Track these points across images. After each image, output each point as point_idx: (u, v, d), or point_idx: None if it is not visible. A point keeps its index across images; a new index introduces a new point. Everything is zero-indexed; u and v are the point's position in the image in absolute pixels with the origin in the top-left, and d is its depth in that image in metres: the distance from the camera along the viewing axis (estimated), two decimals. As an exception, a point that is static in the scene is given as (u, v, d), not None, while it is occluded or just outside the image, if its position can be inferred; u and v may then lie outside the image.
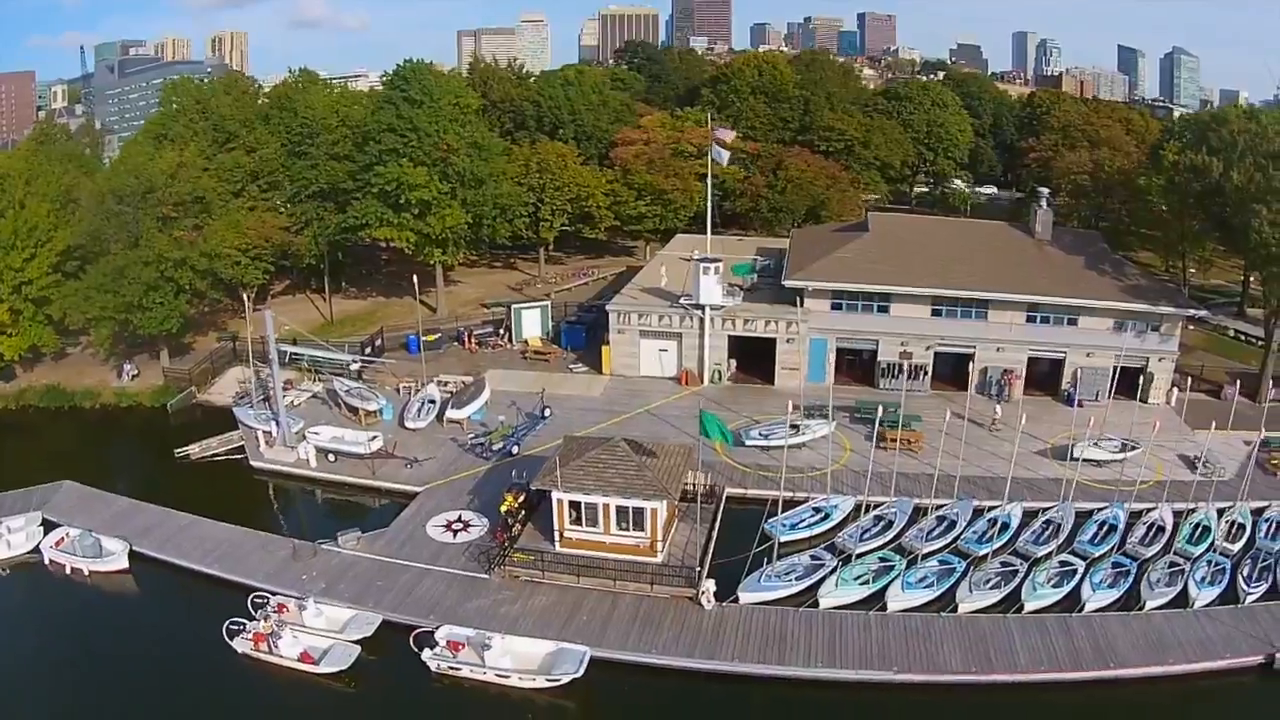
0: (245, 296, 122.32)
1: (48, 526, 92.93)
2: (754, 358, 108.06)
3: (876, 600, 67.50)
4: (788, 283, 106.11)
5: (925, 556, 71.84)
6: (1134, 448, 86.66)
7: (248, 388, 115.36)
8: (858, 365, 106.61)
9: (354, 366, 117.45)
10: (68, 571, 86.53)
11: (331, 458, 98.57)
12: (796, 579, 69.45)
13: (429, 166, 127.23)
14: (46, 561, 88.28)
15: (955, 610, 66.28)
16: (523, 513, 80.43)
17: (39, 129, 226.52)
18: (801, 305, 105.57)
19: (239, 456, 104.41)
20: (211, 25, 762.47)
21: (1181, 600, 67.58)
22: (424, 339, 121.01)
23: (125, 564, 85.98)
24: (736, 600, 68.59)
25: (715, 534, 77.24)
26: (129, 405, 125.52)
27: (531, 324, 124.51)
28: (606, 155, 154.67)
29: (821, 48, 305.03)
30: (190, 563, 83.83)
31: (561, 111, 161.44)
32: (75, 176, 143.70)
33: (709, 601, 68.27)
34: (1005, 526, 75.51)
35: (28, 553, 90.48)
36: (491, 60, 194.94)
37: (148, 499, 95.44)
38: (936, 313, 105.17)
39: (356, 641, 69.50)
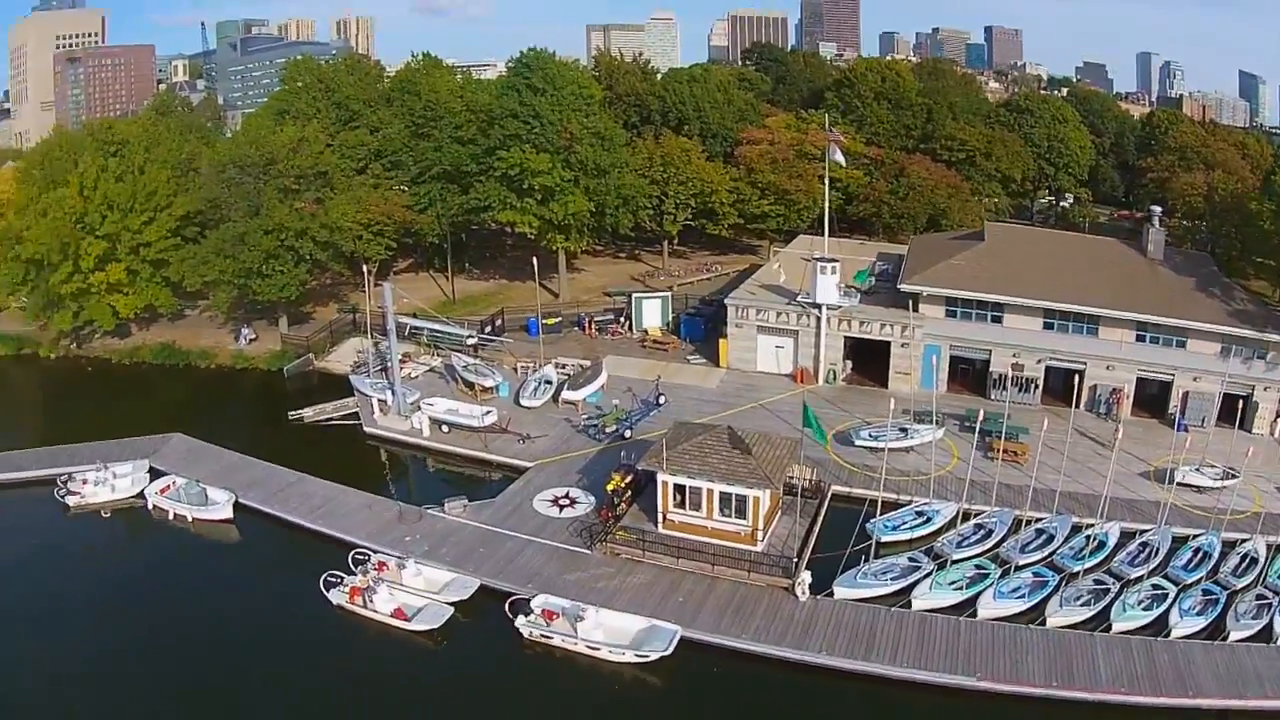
0: (367, 270, 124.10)
1: (154, 475, 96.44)
2: (869, 360, 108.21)
3: (968, 606, 67.39)
4: (903, 287, 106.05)
5: (1020, 568, 71.50)
6: (1234, 476, 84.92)
7: (365, 358, 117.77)
8: (970, 374, 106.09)
9: (470, 342, 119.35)
10: (170, 518, 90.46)
11: (445, 429, 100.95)
12: (892, 579, 69.67)
13: (552, 153, 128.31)
14: (150, 507, 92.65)
15: (1044, 623, 65.97)
16: (629, 493, 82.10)
17: (159, 99, 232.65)
18: (916, 310, 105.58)
19: (352, 423, 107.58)
20: (337, 8, 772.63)
21: (1266, 635, 66.45)
22: (544, 322, 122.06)
23: (229, 514, 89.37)
24: (831, 594, 68.94)
25: (817, 529, 77.57)
26: (244, 367, 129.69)
27: (652, 314, 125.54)
28: (731, 153, 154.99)
29: (948, 59, 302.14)
30: (294, 517, 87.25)
31: (686, 107, 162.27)
32: (196, 146, 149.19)
33: (804, 593, 68.65)
34: (1101, 545, 74.89)
35: (131, 497, 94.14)
36: (618, 55, 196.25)
37: (256, 456, 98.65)
38: (1048, 326, 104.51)
39: (452, 604, 71.10)
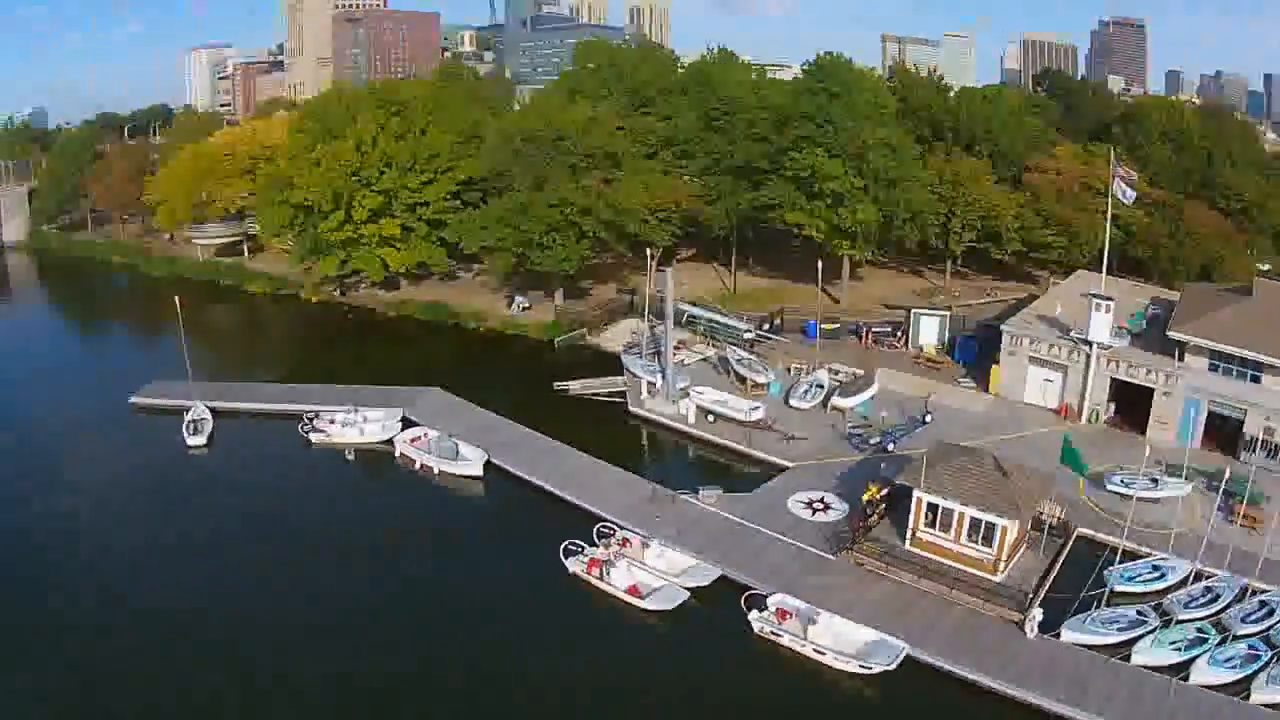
0: (650, 255, 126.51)
1: (405, 425, 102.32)
2: (1130, 405, 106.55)
3: (1182, 668, 66.64)
4: (1171, 334, 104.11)
5: (1238, 638, 70.23)
6: None
7: (638, 339, 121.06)
8: (1223, 431, 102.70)
9: (747, 336, 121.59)
10: (417, 467, 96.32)
11: (710, 418, 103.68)
12: (1119, 630, 69.46)
13: (844, 159, 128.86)
14: (397, 455, 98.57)
15: (1248, 698, 64.76)
16: (882, 505, 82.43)
17: (446, 67, 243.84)
18: (1181, 360, 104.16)
19: (617, 401, 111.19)
20: None
21: None
22: (823, 326, 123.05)
23: (479, 471, 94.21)
24: (1058, 635, 68.79)
25: (1056, 568, 77.24)
26: (514, 334, 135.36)
27: (929, 331, 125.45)
28: (1018, 179, 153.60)
29: (1230, 104, 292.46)
30: (544, 483, 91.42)
31: (978, 128, 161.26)
32: (481, 114, 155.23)
33: (1032, 630, 68.80)
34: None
35: (378, 443, 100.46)
36: (913, 67, 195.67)
37: (515, 420, 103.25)
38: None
39: (689, 589, 73.97)
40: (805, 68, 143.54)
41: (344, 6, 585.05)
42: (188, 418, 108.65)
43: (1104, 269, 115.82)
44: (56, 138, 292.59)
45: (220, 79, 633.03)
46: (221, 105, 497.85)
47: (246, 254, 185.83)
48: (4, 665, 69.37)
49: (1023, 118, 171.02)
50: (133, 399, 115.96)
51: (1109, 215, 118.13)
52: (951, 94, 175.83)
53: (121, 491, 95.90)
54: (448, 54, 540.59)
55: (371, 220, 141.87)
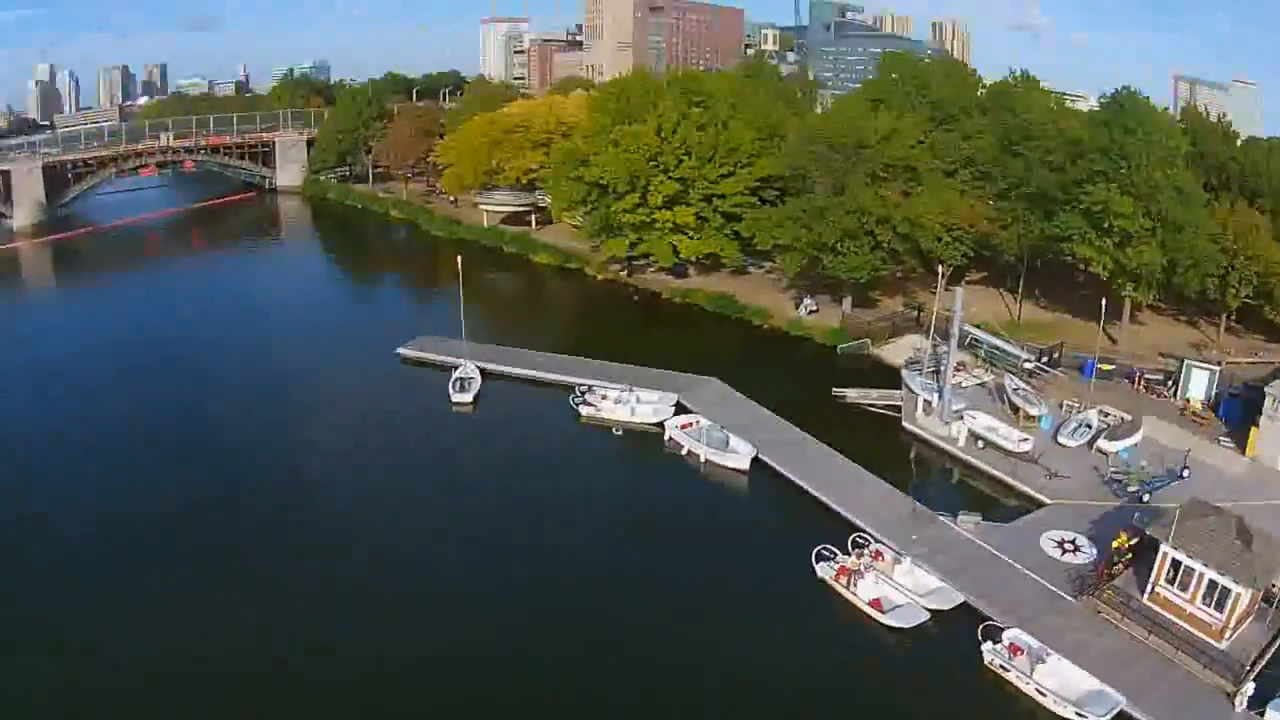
0: (940, 272, 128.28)
1: (678, 410, 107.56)
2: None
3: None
4: None
5: None
6: None
7: (920, 356, 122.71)
8: None
9: (1027, 366, 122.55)
10: (684, 453, 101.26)
11: (980, 444, 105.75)
12: None
13: (1135, 198, 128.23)
14: (666, 438, 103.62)
15: None
16: (1129, 555, 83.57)
17: (751, 63, 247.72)
18: None
19: (892, 414, 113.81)
20: (937, 9, 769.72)
21: None
22: (1100, 367, 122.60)
23: (746, 465, 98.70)
24: (1262, 714, 67.94)
25: (1276, 643, 76.02)
26: (798, 335, 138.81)
27: (1199, 385, 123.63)
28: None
29: None
30: (808, 485, 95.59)
31: (1261, 180, 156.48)
32: (783, 114, 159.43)
33: (1241, 704, 68.44)
34: None
35: (648, 424, 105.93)
36: (1204, 111, 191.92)
37: (787, 419, 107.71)
38: None
39: (930, 610, 77.34)
40: (1102, 100, 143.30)
41: None
42: (455, 375, 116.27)
43: None
44: (339, 92, 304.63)
45: (516, 53, 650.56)
46: (515, 79, 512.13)
47: (533, 225, 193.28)
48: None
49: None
50: (399, 350, 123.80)
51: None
52: (1239, 143, 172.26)
53: (380, 437, 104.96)
54: (750, 50, 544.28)
55: (666, 206, 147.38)
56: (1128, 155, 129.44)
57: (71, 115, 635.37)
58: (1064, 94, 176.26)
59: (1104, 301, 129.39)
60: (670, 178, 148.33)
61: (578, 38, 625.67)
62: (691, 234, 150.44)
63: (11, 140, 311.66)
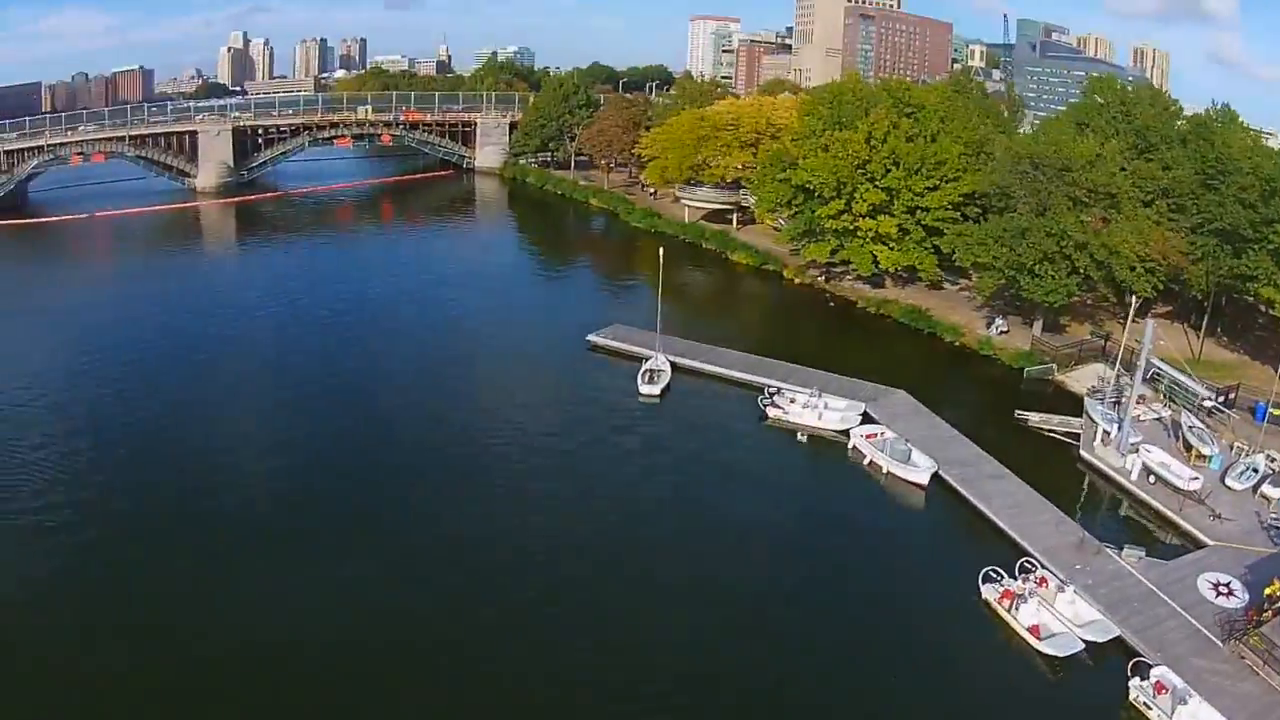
0: (1129, 302, 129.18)
1: (864, 420, 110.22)
2: None
3: None
4: None
5: None
6: None
7: (1103, 385, 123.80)
8: None
9: (1207, 404, 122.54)
10: (865, 463, 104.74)
11: (1151, 479, 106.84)
12: None
13: None
14: (850, 447, 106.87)
15: None
16: None
17: (957, 78, 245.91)
18: None
19: (1071, 442, 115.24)
20: (1141, 34, 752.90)
21: None
22: (1273, 410, 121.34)
23: (926, 480, 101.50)
24: None
25: None
26: (987, 355, 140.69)
27: None
28: None
29: None
30: (985, 507, 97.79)
31: None
32: (990, 131, 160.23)
33: None
34: None
35: (835, 431, 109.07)
36: None
37: (969, 438, 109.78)
38: None
39: (1087, 641, 79.94)
40: None
41: (859, 2, 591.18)
42: (645, 366, 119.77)
43: None
44: (545, 78, 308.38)
45: (724, 51, 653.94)
46: (723, 77, 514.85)
47: (735, 224, 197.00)
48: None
49: None
50: (590, 337, 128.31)
51: None
52: None
53: (564, 423, 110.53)
54: (957, 65, 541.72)
55: (870, 215, 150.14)
56: None
57: (265, 84, 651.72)
58: (1260, 130, 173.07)
59: None
60: (876, 186, 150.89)
61: (787, 40, 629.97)
62: (892, 245, 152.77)
63: (202, 102, 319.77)
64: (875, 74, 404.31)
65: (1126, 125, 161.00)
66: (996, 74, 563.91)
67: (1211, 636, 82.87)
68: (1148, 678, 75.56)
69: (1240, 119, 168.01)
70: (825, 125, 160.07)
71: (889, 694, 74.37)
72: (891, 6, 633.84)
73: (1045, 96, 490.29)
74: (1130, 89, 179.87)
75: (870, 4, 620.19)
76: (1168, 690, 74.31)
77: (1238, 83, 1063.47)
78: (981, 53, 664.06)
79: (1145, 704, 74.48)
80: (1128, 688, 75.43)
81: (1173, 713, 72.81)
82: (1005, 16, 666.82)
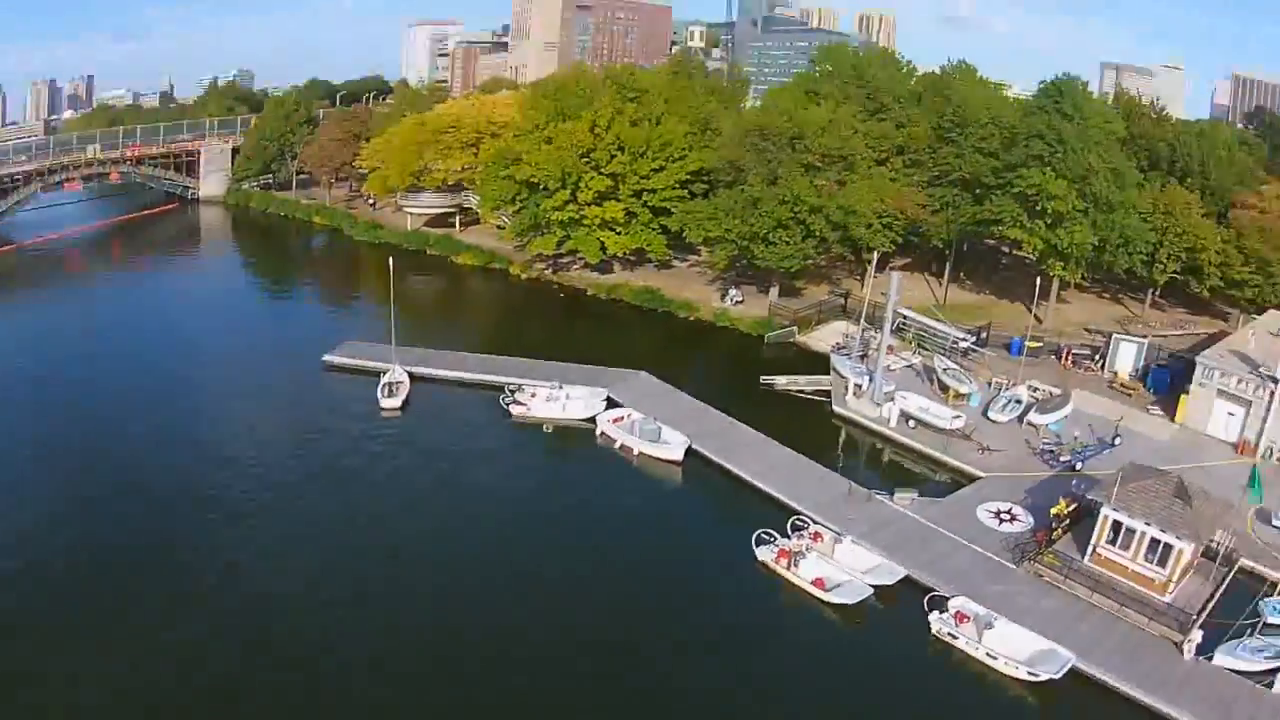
0: (867, 260, 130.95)
1: (609, 405, 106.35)
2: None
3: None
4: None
5: None
6: None
7: (848, 341, 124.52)
8: None
9: (963, 345, 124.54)
10: (617, 447, 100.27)
11: (911, 424, 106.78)
12: (1265, 658, 71.44)
13: (1069, 181, 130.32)
14: (598, 433, 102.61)
15: None
16: (1069, 521, 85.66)
17: (677, 60, 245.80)
18: None
19: (821, 399, 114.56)
20: (864, 3, 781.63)
21: None
22: (1028, 344, 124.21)
23: (679, 456, 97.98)
24: (1210, 658, 70.97)
25: (1218, 595, 78.55)
26: (724, 326, 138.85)
27: (1126, 358, 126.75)
28: (1224, 214, 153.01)
29: None
30: (743, 473, 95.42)
31: (1192, 160, 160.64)
32: (715, 108, 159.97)
33: (1189, 652, 71.00)
34: None
35: (579, 420, 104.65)
36: (1136, 94, 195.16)
37: (718, 409, 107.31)
38: None
39: (875, 586, 77.58)
40: (1041, 87, 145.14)
41: None
42: (383, 380, 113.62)
43: None
44: (264, 99, 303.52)
45: (440, 55, 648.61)
46: (438, 81, 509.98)
47: (458, 226, 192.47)
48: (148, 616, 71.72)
49: (1234, 153, 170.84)
50: (326, 357, 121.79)
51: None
52: (1169, 124, 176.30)
53: (305, 447, 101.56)
54: (676, 47, 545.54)
55: (595, 203, 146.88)
56: (1064, 140, 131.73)
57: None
58: (1000, 82, 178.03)
59: (1039, 281, 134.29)
60: (601, 174, 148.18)
61: (503, 39, 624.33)
62: (619, 230, 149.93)
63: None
64: (594, 63, 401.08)
65: (858, 89, 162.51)
66: (717, 52, 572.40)
67: (1003, 562, 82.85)
68: (946, 610, 74.53)
69: (978, 73, 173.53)
70: (549, 118, 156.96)
71: (687, 661, 71.06)
72: None
73: (767, 69, 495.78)
74: (862, 54, 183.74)
75: None
76: (970, 618, 73.58)
77: (972, 39, 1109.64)
78: (701, 33, 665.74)
79: (950, 635, 73.06)
80: (928, 623, 73.93)
81: (980, 638, 71.86)
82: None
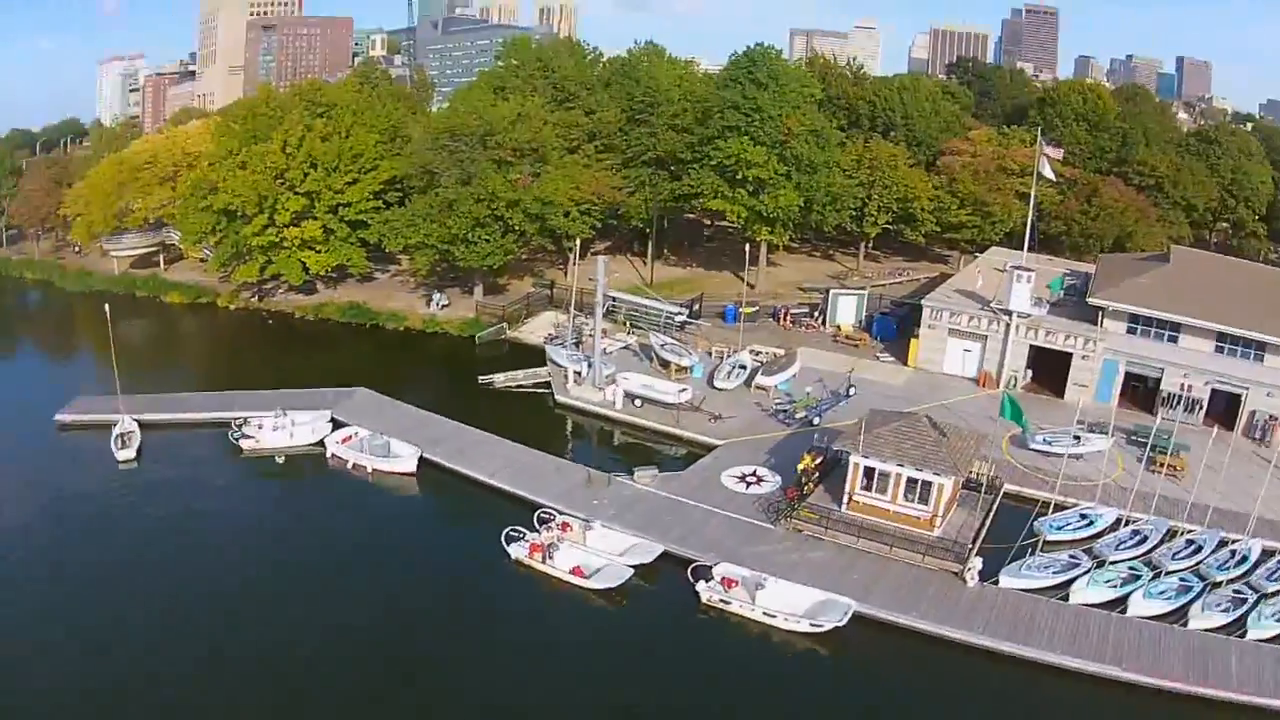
0: (569, 248, 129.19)
1: (335, 426, 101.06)
2: (1047, 370, 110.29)
3: (1119, 604, 70.54)
4: (1091, 301, 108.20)
5: (1169, 573, 74.63)
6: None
7: (560, 331, 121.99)
8: (1141, 391, 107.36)
9: (680, 319, 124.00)
10: (349, 467, 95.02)
11: (638, 403, 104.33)
12: (1053, 574, 72.84)
13: (768, 147, 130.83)
14: (329, 456, 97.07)
15: (1185, 624, 69.02)
16: (817, 474, 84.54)
17: (362, 70, 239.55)
18: (1100, 325, 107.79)
19: (543, 391, 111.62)
20: None
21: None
22: (743, 310, 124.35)
23: (413, 468, 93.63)
24: (997, 582, 72.01)
25: (988, 522, 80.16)
26: (435, 332, 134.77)
27: (846, 310, 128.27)
28: (933, 162, 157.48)
29: (1145, 86, 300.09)
30: (480, 475, 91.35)
31: (895, 114, 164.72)
32: (403, 114, 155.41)
33: (973, 579, 71.83)
34: (1244, 559, 77.43)
35: (310, 445, 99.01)
36: (830, 57, 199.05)
37: (444, 415, 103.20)
38: (1219, 350, 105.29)
39: (634, 566, 74.44)
40: (732, 59, 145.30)
41: (260, 12, 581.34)
42: (115, 431, 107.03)
43: (1026, 243, 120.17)
44: None
45: (131, 91, 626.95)
46: (131, 118, 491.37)
47: (163, 264, 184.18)
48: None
49: (938, 103, 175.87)
50: (58, 416, 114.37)
51: (1034, 193, 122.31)
52: (867, 81, 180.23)
53: (48, 507, 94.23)
54: (358, 58, 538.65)
55: (294, 223, 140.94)
56: (761, 108, 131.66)
57: None
58: (689, 59, 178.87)
59: (748, 248, 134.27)
60: (297, 193, 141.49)
61: (191, 67, 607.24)
62: (319, 248, 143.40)
63: None
64: (280, 83, 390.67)
65: (545, 80, 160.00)
66: (399, 59, 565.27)
67: (758, 523, 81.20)
68: (712, 578, 72.01)
69: (667, 53, 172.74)
70: (241, 142, 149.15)
71: (455, 666, 67.09)
72: (292, 12, 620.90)
73: (450, 70, 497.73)
74: (547, 46, 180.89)
75: (270, 14, 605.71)
76: (738, 582, 71.36)
77: (655, 21, 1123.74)
78: (383, 40, 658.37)
79: (721, 601, 70.68)
80: (697, 593, 71.28)
81: (754, 599, 69.67)
82: (410, 1, 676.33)
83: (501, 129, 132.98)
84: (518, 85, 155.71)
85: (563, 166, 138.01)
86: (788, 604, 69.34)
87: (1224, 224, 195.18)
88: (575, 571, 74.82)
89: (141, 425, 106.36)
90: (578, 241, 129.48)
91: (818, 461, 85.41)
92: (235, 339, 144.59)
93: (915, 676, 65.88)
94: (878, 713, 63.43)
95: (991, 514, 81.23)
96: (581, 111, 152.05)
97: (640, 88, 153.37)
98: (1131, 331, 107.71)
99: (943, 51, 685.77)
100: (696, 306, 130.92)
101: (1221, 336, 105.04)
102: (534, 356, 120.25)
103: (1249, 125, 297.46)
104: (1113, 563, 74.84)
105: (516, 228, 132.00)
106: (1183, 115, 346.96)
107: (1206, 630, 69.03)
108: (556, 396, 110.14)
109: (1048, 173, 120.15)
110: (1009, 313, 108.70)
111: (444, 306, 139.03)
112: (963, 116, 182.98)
